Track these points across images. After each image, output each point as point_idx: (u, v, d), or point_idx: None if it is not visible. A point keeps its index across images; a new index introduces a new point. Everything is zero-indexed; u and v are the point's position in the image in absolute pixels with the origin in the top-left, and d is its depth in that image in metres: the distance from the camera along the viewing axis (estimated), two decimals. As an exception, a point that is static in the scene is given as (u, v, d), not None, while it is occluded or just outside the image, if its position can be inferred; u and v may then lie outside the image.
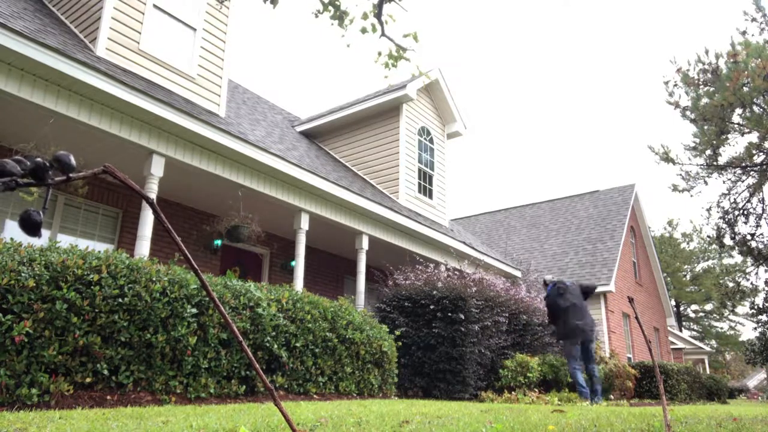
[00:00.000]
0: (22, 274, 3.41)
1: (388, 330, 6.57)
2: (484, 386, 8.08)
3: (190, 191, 7.77)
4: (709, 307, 37.11)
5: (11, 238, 3.80)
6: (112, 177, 0.82)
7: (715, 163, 9.86)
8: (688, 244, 37.61)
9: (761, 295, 14.29)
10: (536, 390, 8.19)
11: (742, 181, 10.56)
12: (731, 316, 36.61)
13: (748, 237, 11.04)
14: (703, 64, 8.79)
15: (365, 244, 8.79)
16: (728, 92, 7.89)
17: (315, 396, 5.16)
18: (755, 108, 8.60)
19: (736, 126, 9.20)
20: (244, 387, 4.52)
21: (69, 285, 3.59)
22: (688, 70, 9.00)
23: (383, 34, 4.56)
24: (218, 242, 8.47)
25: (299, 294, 5.45)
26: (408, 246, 9.74)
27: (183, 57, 7.37)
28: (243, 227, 7.37)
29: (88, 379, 3.60)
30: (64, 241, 6.22)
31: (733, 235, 11.09)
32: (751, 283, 13.25)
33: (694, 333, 39.02)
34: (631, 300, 1.98)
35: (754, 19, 9.25)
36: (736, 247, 11.25)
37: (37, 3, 7.07)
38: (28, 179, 0.75)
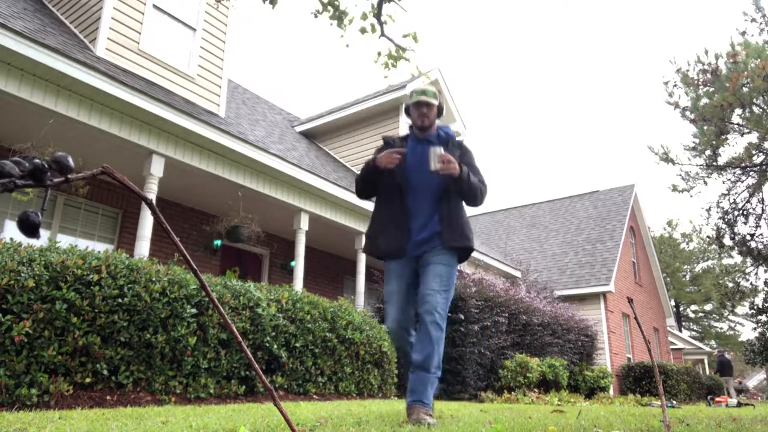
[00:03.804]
0: (22, 275, 3.41)
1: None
2: (483, 386, 8.08)
3: (190, 191, 7.77)
4: (708, 307, 37.11)
5: (11, 239, 3.80)
6: (111, 177, 0.82)
7: (714, 163, 9.86)
8: (687, 244, 37.61)
9: (761, 296, 14.29)
10: (536, 390, 8.19)
11: (742, 182, 10.57)
12: (731, 317, 36.62)
13: (748, 237, 11.04)
14: (703, 64, 8.78)
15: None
16: (728, 92, 7.89)
17: (315, 396, 5.16)
18: (755, 108, 8.60)
19: (735, 126, 9.20)
20: (243, 387, 4.52)
21: (69, 285, 3.59)
22: (687, 70, 9.00)
23: (383, 35, 4.56)
24: (218, 242, 8.47)
25: (299, 294, 5.45)
26: (408, 246, 9.73)
27: (183, 57, 7.37)
28: (243, 227, 7.37)
29: (87, 379, 3.60)
30: (64, 241, 6.22)
31: (732, 236, 11.09)
32: (751, 284, 13.24)
33: (694, 333, 39.02)
34: (630, 300, 1.98)
35: (753, 20, 9.25)
36: (736, 248, 11.25)
37: (37, 3, 7.07)
38: (26, 181, 0.75)
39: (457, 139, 3.27)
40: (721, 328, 39.08)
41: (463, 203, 3.12)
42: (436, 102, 3.22)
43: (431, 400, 2.92)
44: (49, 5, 7.37)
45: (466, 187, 2.97)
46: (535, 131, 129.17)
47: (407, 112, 3.28)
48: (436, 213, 3.03)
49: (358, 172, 3.14)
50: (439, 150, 2.84)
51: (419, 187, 3.04)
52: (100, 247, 6.61)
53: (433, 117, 3.23)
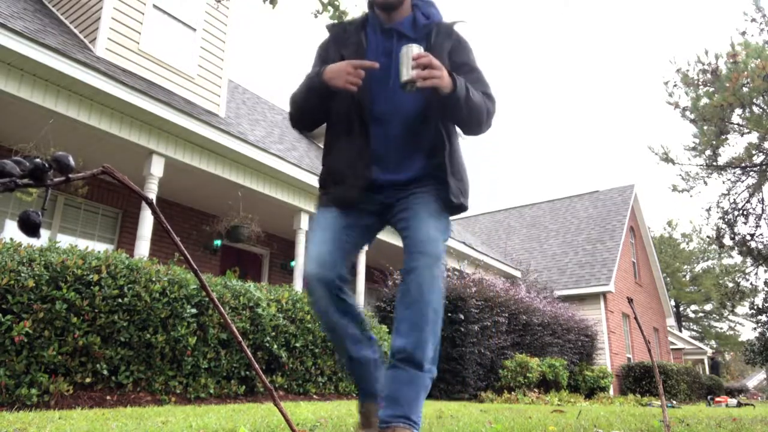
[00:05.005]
0: (22, 275, 3.41)
1: (387, 330, 6.57)
2: (483, 386, 8.08)
3: (190, 191, 7.77)
4: (708, 307, 37.11)
5: (11, 238, 3.80)
6: (111, 177, 0.82)
7: (714, 163, 9.87)
8: (687, 244, 37.60)
9: (761, 296, 14.32)
10: (536, 390, 8.20)
11: (742, 182, 10.58)
12: (731, 317, 36.61)
13: (748, 237, 11.05)
14: (703, 64, 8.79)
15: (365, 244, 8.79)
16: (728, 92, 7.90)
17: (315, 396, 5.16)
18: (755, 108, 8.60)
19: (735, 126, 9.21)
20: (243, 387, 4.52)
21: (69, 285, 3.59)
22: (687, 70, 9.01)
23: (383, 35, 4.55)
24: (218, 242, 8.47)
25: (299, 294, 5.45)
26: (408, 246, 9.73)
27: (183, 57, 7.36)
28: (243, 227, 7.37)
29: (87, 379, 3.60)
30: (64, 241, 6.22)
31: (732, 236, 11.11)
32: (751, 284, 13.26)
33: (694, 333, 39.02)
34: (630, 300, 1.98)
35: (753, 20, 9.26)
36: (736, 248, 11.27)
37: (37, 3, 7.07)
38: (27, 180, 0.75)
39: (448, 23, 1.95)
40: (721, 328, 39.08)
41: (458, 132, 1.95)
42: None
43: (421, 415, 1.66)
44: (49, 5, 7.37)
45: (465, 109, 1.77)
46: (535, 131, 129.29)
47: None
48: (415, 149, 1.87)
49: (294, 90, 1.97)
50: (415, 49, 1.67)
51: (388, 108, 1.85)
52: (100, 247, 6.61)
53: None
